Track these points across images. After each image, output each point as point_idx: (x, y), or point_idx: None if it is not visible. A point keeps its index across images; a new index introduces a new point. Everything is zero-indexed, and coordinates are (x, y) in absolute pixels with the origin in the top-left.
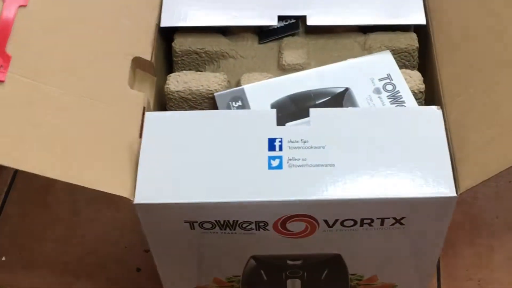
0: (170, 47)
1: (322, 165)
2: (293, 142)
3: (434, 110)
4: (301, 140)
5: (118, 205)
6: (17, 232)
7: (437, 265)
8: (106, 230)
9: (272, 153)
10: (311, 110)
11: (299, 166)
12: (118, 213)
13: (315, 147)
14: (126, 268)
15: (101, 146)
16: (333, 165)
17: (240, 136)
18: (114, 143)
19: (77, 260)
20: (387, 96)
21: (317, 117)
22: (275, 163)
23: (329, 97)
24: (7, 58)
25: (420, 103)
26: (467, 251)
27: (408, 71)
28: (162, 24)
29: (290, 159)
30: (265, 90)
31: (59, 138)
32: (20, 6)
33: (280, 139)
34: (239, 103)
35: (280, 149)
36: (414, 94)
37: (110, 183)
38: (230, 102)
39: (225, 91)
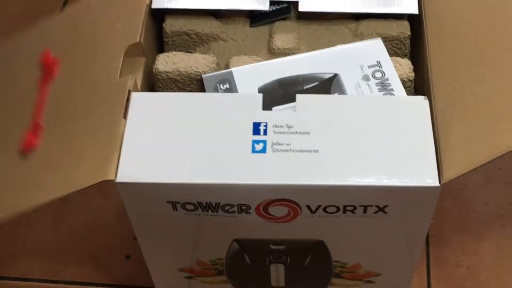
0: (162, 28)
1: (306, 151)
2: (278, 127)
3: (421, 100)
4: (286, 125)
5: (107, 192)
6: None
7: (426, 252)
8: (95, 218)
9: (256, 137)
10: (298, 96)
11: (283, 151)
12: (107, 200)
13: (300, 133)
14: (115, 256)
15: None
16: (317, 151)
17: (225, 119)
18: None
19: (66, 248)
20: (376, 84)
21: (303, 102)
22: (259, 147)
23: (317, 83)
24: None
25: (409, 92)
26: (456, 238)
27: (398, 59)
28: (154, 6)
29: (274, 144)
30: (253, 73)
31: None
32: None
33: (265, 124)
34: (227, 85)
35: (265, 133)
36: (403, 82)
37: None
38: (217, 85)
39: (213, 73)
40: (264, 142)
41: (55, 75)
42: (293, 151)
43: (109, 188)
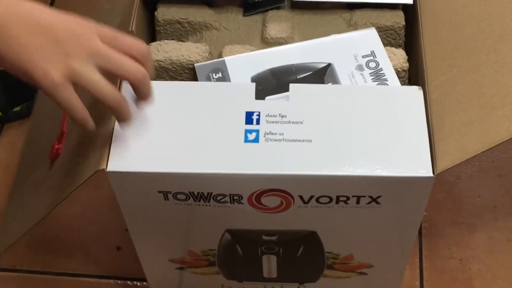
0: (154, 17)
1: (299, 141)
2: (271, 116)
3: (415, 90)
4: (279, 114)
5: (97, 183)
6: None
7: (419, 244)
8: (86, 209)
9: (249, 127)
10: (291, 86)
11: (276, 140)
12: (97, 191)
13: (293, 122)
14: (106, 247)
15: None
16: (311, 140)
17: (218, 109)
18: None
19: (56, 238)
20: (370, 74)
21: (297, 92)
22: (251, 136)
23: (310, 72)
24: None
25: (403, 82)
26: (449, 230)
27: (393, 49)
28: None
29: (267, 133)
30: (246, 62)
31: None
32: None
33: (258, 113)
34: (219, 74)
35: (258, 122)
36: (398, 72)
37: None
38: (210, 74)
39: (206, 62)
40: (257, 131)
41: None
42: (286, 140)
43: (100, 179)
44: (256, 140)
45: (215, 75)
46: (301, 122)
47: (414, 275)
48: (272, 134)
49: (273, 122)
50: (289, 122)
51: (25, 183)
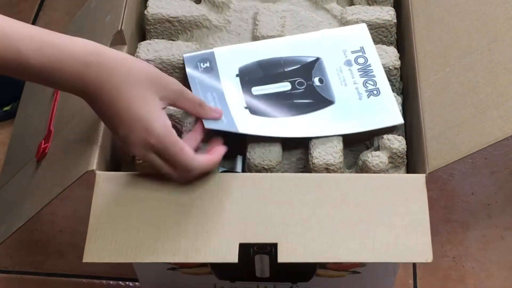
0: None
1: None
2: None
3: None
4: None
5: (88, 182)
6: None
7: None
8: (76, 208)
9: None
10: None
11: None
12: (88, 190)
13: None
14: None
15: None
16: None
17: None
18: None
19: (48, 239)
20: (358, 69)
21: None
22: None
23: (298, 66)
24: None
25: (395, 80)
26: (443, 228)
27: (384, 46)
28: None
29: None
30: (235, 54)
31: None
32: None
33: None
34: (207, 64)
35: None
36: (389, 70)
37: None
38: (198, 63)
39: (195, 53)
40: None
41: None
42: None
43: (91, 179)
44: None
45: (203, 65)
46: None
47: (408, 273)
48: None
49: None
50: None
51: (10, 182)
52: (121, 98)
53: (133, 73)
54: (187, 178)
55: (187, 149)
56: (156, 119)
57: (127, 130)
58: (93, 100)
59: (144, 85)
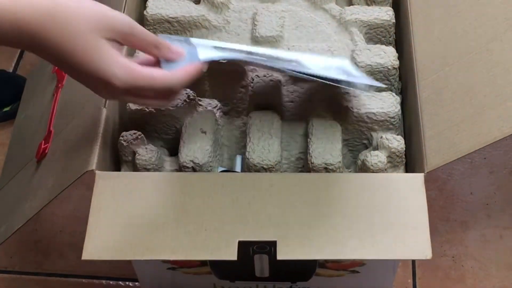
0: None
1: None
2: None
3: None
4: None
5: (88, 182)
6: None
7: None
8: (76, 208)
9: None
10: None
11: None
12: (88, 191)
13: None
14: None
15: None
16: None
17: None
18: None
19: (47, 239)
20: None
21: None
22: None
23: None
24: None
25: (394, 80)
26: (442, 228)
27: (383, 46)
28: None
29: None
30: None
31: None
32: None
33: None
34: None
35: None
36: (388, 70)
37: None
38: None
39: (171, 35)
40: None
41: (64, 81)
42: None
43: (91, 179)
44: None
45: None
46: None
47: (407, 272)
48: None
49: None
50: None
51: (10, 183)
52: (69, 55)
53: (73, 24)
54: (173, 97)
55: (156, 73)
56: (111, 65)
57: (92, 86)
58: (45, 56)
59: (89, 34)
